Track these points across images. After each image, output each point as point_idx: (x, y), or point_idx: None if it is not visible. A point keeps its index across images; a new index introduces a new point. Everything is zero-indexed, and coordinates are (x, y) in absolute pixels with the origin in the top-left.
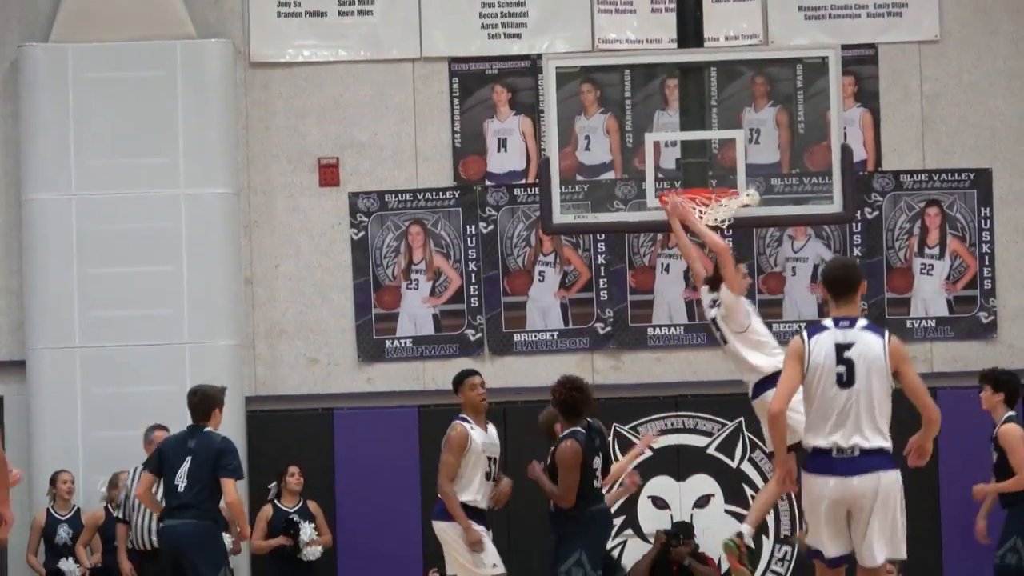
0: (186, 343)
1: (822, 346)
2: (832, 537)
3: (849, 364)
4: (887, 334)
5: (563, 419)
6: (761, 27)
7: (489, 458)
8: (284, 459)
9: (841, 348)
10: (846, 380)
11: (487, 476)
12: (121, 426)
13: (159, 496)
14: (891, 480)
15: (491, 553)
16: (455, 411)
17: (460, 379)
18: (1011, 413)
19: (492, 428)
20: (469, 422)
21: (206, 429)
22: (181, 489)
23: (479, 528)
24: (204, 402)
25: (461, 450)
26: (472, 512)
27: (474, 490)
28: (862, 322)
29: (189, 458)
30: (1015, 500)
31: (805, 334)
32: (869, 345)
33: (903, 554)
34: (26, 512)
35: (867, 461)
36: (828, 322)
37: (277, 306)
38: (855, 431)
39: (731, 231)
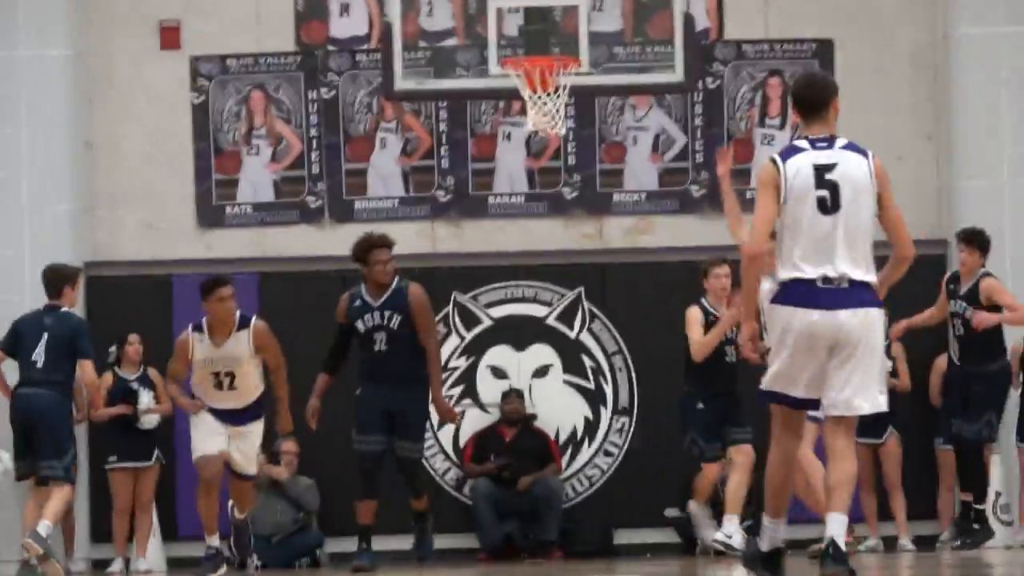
0: (24, 208)
1: (799, 169)
2: (808, 377)
3: (832, 187)
4: (871, 153)
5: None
6: None
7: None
8: (124, 326)
9: (821, 170)
10: (830, 205)
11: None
12: None
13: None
14: (878, 319)
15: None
16: (295, 278)
17: (207, 289)
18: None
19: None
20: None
21: (63, 309)
22: (40, 365)
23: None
24: (56, 280)
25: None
26: None
27: None
28: (841, 140)
29: (45, 335)
30: (992, 376)
31: (778, 158)
32: (853, 165)
33: (883, 406)
34: None
35: (856, 294)
36: (803, 143)
37: (117, 171)
38: (842, 261)
39: (573, 99)
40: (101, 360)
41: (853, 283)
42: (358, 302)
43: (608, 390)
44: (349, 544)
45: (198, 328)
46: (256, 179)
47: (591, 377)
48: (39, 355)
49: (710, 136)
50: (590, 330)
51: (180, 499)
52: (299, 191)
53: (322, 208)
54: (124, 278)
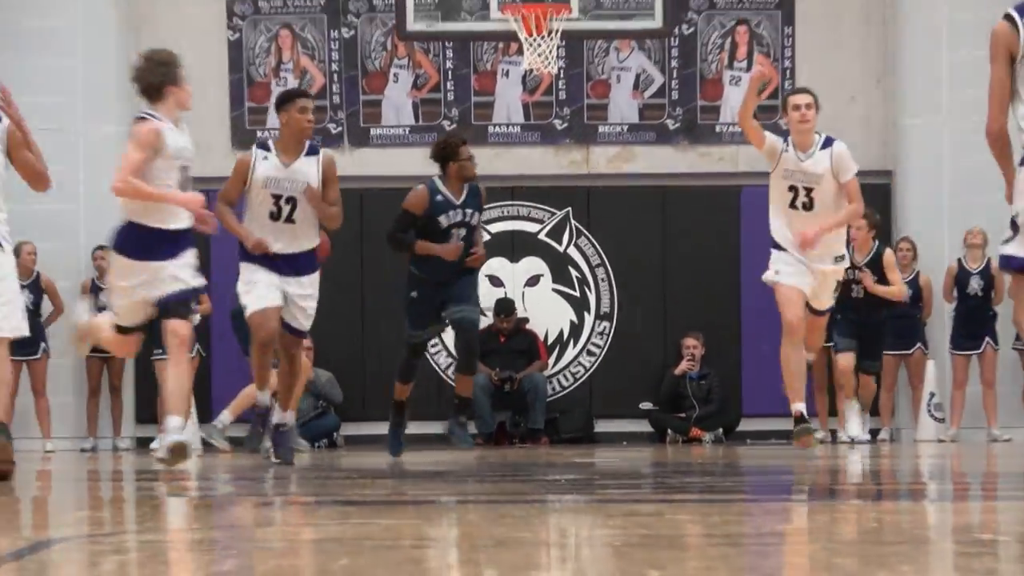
0: (78, 129)
1: None
2: None
3: None
4: None
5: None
6: None
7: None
8: None
9: None
10: None
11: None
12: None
13: None
14: None
15: None
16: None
17: (288, 98)
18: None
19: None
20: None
21: None
22: None
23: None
24: None
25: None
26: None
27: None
28: None
29: None
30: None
31: (1015, 12)
32: None
33: None
34: None
35: None
36: None
37: None
38: None
39: (564, 42)
40: None
41: None
42: (439, 197)
43: (592, 297)
44: (362, 428)
45: (263, 146)
46: None
47: (576, 286)
48: None
49: (684, 76)
50: (576, 245)
51: (215, 389)
52: (321, 119)
53: (342, 134)
54: None
